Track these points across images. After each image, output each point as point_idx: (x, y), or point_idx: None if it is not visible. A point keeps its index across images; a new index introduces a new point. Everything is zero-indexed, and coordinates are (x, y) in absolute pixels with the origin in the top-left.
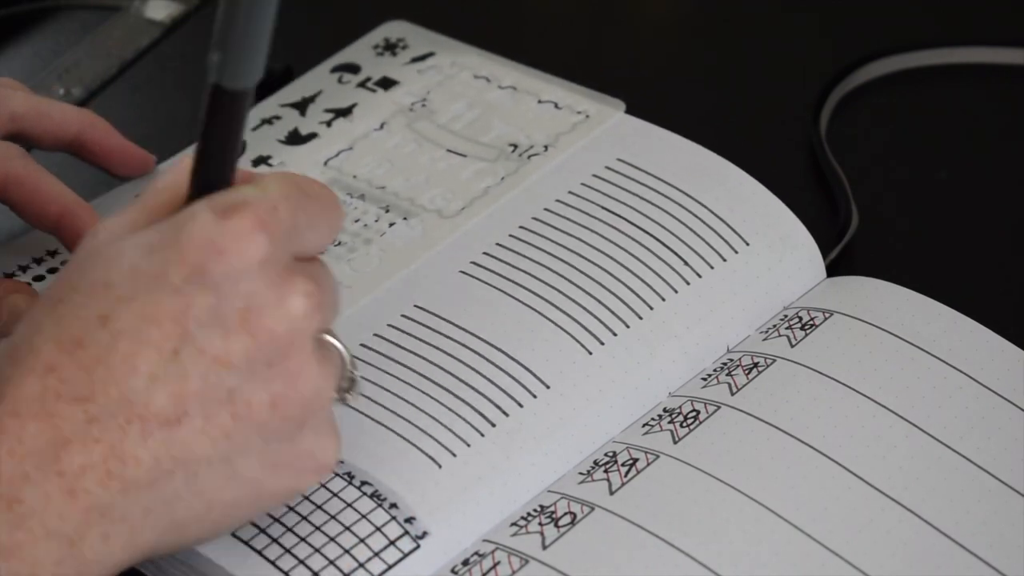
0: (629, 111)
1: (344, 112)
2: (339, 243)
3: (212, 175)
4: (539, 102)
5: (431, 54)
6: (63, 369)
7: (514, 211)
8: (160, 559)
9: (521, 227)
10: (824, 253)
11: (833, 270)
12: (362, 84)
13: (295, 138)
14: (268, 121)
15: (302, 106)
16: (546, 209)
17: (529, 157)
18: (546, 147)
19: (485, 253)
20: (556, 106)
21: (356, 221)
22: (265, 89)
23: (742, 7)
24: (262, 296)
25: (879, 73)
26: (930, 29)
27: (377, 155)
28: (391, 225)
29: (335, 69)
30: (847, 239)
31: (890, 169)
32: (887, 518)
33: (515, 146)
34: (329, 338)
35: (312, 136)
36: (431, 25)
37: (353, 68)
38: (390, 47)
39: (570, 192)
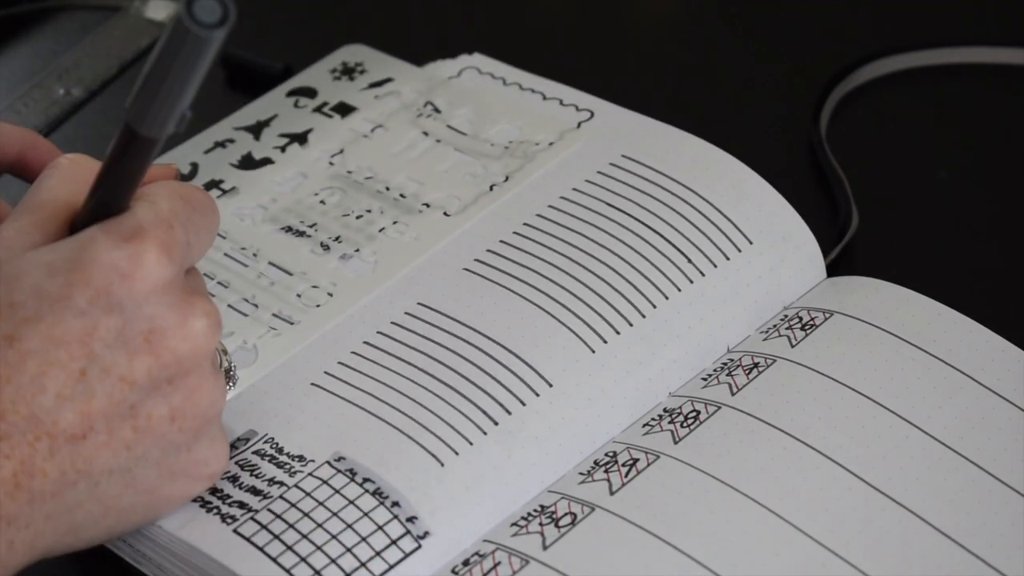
0: (630, 110)
1: (299, 138)
2: (339, 239)
3: (111, 200)
4: (544, 99)
5: (389, 80)
6: None
7: (518, 208)
8: (161, 558)
9: (525, 224)
10: (824, 253)
11: (833, 270)
12: (318, 109)
13: (248, 163)
14: (221, 144)
15: (256, 130)
16: (550, 206)
17: (533, 154)
18: (551, 144)
19: (488, 250)
20: (561, 103)
21: (359, 217)
22: (263, 86)
23: (743, 7)
24: (165, 319)
25: (879, 73)
26: (930, 29)
27: (381, 152)
28: (394, 222)
29: (291, 93)
30: (847, 239)
31: (890, 169)
32: (887, 518)
33: (519, 143)
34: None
35: (266, 161)
36: (436, 21)
37: (310, 92)
38: (348, 71)
39: (574, 189)
